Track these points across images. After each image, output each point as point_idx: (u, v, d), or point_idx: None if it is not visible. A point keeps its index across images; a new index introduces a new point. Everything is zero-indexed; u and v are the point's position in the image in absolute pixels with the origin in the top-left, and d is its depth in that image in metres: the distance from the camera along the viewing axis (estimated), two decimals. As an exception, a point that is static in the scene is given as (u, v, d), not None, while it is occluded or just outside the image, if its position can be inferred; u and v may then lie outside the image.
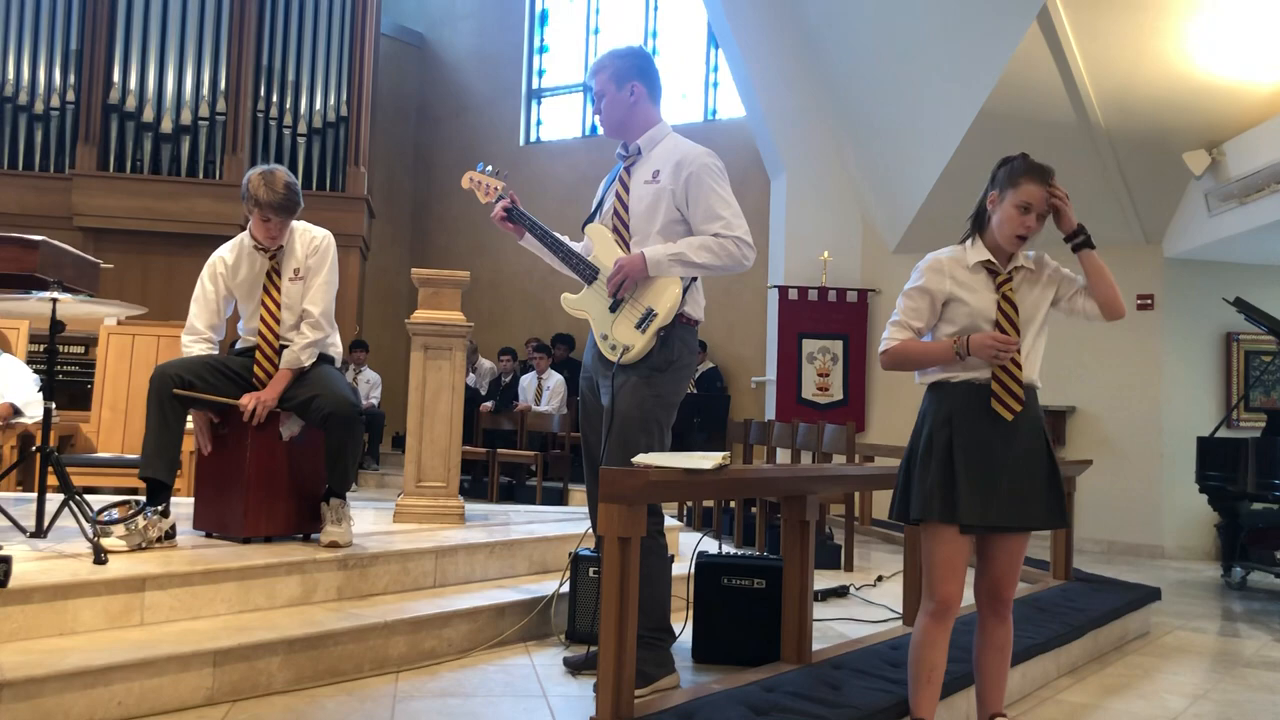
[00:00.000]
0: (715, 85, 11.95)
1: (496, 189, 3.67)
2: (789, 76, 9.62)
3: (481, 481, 9.42)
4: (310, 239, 4.01)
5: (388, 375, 11.28)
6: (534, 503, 8.80)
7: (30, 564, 3.15)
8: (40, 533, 3.51)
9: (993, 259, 2.87)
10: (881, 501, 8.02)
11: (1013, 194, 2.85)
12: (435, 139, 13.88)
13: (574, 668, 3.46)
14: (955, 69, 7.89)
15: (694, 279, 3.42)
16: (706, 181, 3.37)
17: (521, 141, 13.26)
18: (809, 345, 9.42)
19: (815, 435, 6.95)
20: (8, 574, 2.58)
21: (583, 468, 3.57)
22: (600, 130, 3.59)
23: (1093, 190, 8.00)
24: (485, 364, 11.56)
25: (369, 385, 10.78)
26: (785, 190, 9.70)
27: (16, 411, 5.59)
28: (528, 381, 10.46)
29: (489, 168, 3.76)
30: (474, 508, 5.01)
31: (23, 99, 11.31)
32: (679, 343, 3.39)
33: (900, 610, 4.41)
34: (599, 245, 3.50)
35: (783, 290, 9.44)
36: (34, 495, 3.66)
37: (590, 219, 3.60)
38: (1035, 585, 5.10)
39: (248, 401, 3.76)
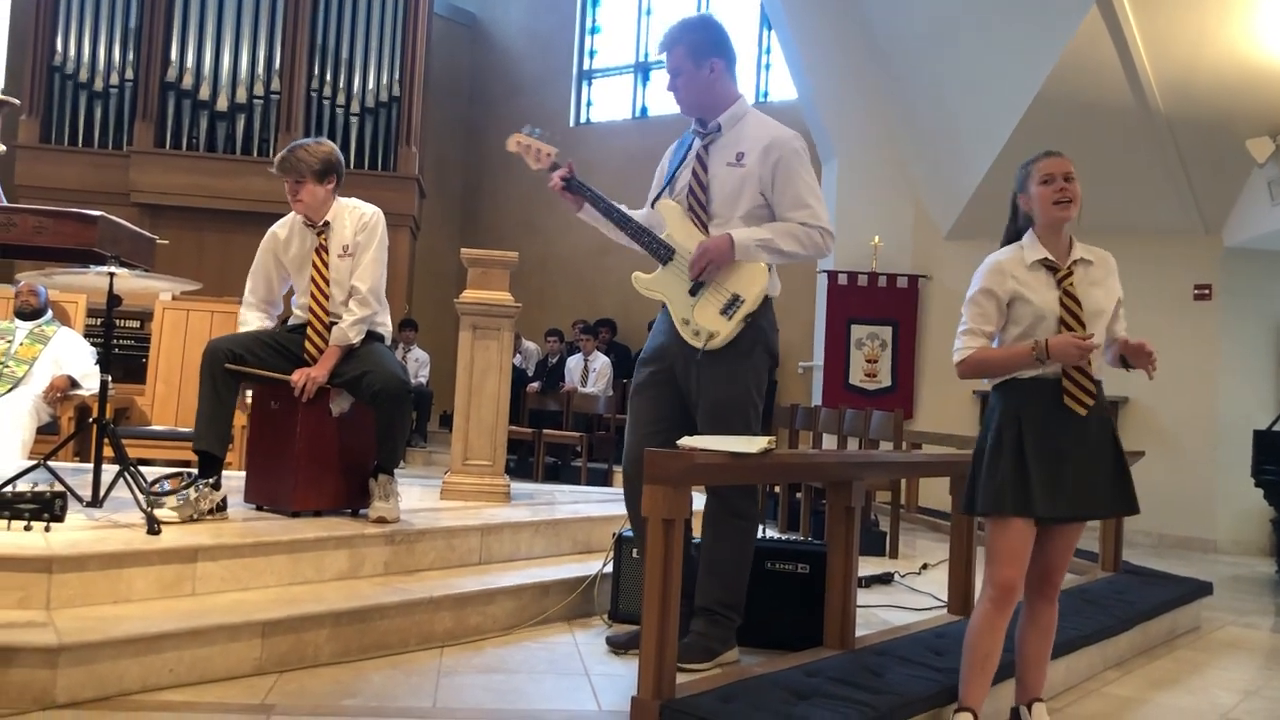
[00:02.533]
0: (767, 67, 11.87)
1: (549, 155, 3.55)
2: (842, 58, 9.52)
3: (527, 461, 9.48)
4: (359, 216, 4.04)
5: (436, 354, 11.37)
6: (579, 483, 8.83)
7: (86, 533, 3.22)
8: (96, 502, 3.58)
9: (1050, 255, 2.84)
10: (928, 489, 7.96)
11: (1034, 177, 2.85)
12: (486, 119, 13.92)
13: (617, 647, 3.47)
14: (1012, 52, 7.76)
15: None
16: (795, 168, 3.31)
17: (571, 123, 13.26)
18: (858, 331, 9.35)
19: (862, 421, 6.91)
20: (64, 508, 2.63)
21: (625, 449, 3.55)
22: (679, 108, 3.46)
23: (1151, 177, 7.85)
24: (530, 346, 11.61)
25: (418, 364, 10.87)
26: (837, 174, 9.62)
27: (74, 384, 5.70)
28: (574, 363, 10.50)
29: (537, 130, 3.61)
30: (519, 487, 5.04)
31: (83, 76, 11.49)
32: (763, 320, 3.35)
33: (945, 598, 4.38)
34: (673, 224, 3.42)
35: (832, 275, 9.38)
36: (90, 466, 3.73)
37: (659, 195, 3.52)
38: (1083, 577, 5.04)
39: (298, 378, 3.81)
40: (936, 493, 7.14)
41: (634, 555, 3.74)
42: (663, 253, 3.40)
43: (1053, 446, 2.77)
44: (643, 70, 13.13)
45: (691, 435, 3.10)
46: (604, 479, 9.08)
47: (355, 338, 3.92)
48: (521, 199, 13.22)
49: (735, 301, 3.28)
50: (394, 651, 3.30)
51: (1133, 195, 7.90)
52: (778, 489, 7.07)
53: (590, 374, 10.27)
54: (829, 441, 7.72)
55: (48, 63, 11.44)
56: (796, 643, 3.48)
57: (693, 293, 3.33)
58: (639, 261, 3.51)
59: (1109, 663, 3.99)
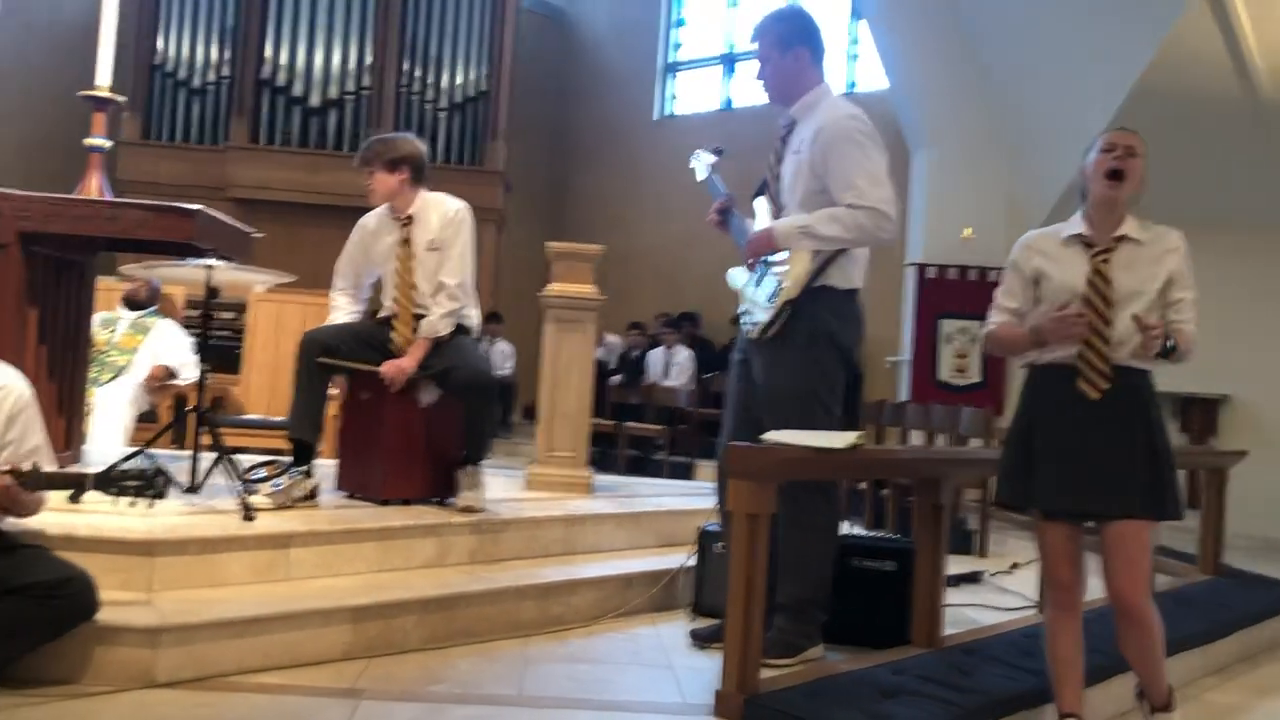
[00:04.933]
0: (855, 58, 11.72)
1: (720, 202, 3.58)
2: (933, 48, 9.35)
3: (609, 454, 9.51)
4: (445, 211, 4.09)
5: (521, 347, 11.46)
6: (660, 477, 8.83)
7: (185, 518, 3.31)
8: (194, 489, 3.68)
9: (1088, 232, 2.74)
10: (1017, 487, 7.78)
11: (1097, 145, 2.78)
12: (572, 113, 13.98)
13: (700, 640, 3.47)
14: (1109, 41, 7.54)
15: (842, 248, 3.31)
16: (841, 147, 3.23)
17: (656, 115, 13.26)
18: (947, 326, 9.19)
19: (951, 418, 6.79)
20: (166, 485, 2.72)
21: (715, 444, 3.56)
22: (767, 98, 3.51)
23: (1256, 170, 7.56)
24: (612, 339, 11.64)
25: (503, 356, 10.98)
26: (926, 165, 9.46)
27: (172, 373, 5.87)
28: (656, 356, 10.50)
29: (711, 145, 3.81)
30: (602, 479, 5.06)
31: (182, 74, 11.82)
32: (825, 312, 3.28)
33: (1035, 598, 4.29)
34: (758, 220, 3.47)
35: (921, 268, 9.23)
36: (188, 453, 3.84)
37: (758, 192, 3.55)
38: (1179, 579, 4.89)
39: (387, 370, 3.87)
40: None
41: (718, 549, 3.73)
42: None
43: (1062, 436, 2.66)
44: (728, 62, 13.06)
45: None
46: (686, 473, 9.06)
47: (444, 330, 3.97)
48: (606, 192, 13.26)
49: (777, 290, 3.28)
50: (479, 639, 3.34)
51: (1235, 187, 7.62)
52: (863, 485, 6.99)
53: (672, 367, 10.26)
54: (916, 438, 7.60)
55: (149, 61, 11.79)
56: (882, 641, 3.43)
57: (755, 284, 3.37)
58: (723, 256, 3.55)
59: (1208, 669, 3.86)
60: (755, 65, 3.51)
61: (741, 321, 3.41)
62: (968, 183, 9.32)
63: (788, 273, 3.26)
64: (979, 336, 2.93)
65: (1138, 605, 2.68)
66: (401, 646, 3.16)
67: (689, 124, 12.94)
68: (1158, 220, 2.82)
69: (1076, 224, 2.79)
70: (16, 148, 12.20)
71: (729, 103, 12.95)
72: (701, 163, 3.78)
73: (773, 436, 2.94)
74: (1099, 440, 2.65)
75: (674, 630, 3.67)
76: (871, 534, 4.98)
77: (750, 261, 3.34)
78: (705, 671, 3.13)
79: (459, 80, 11.98)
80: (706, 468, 8.74)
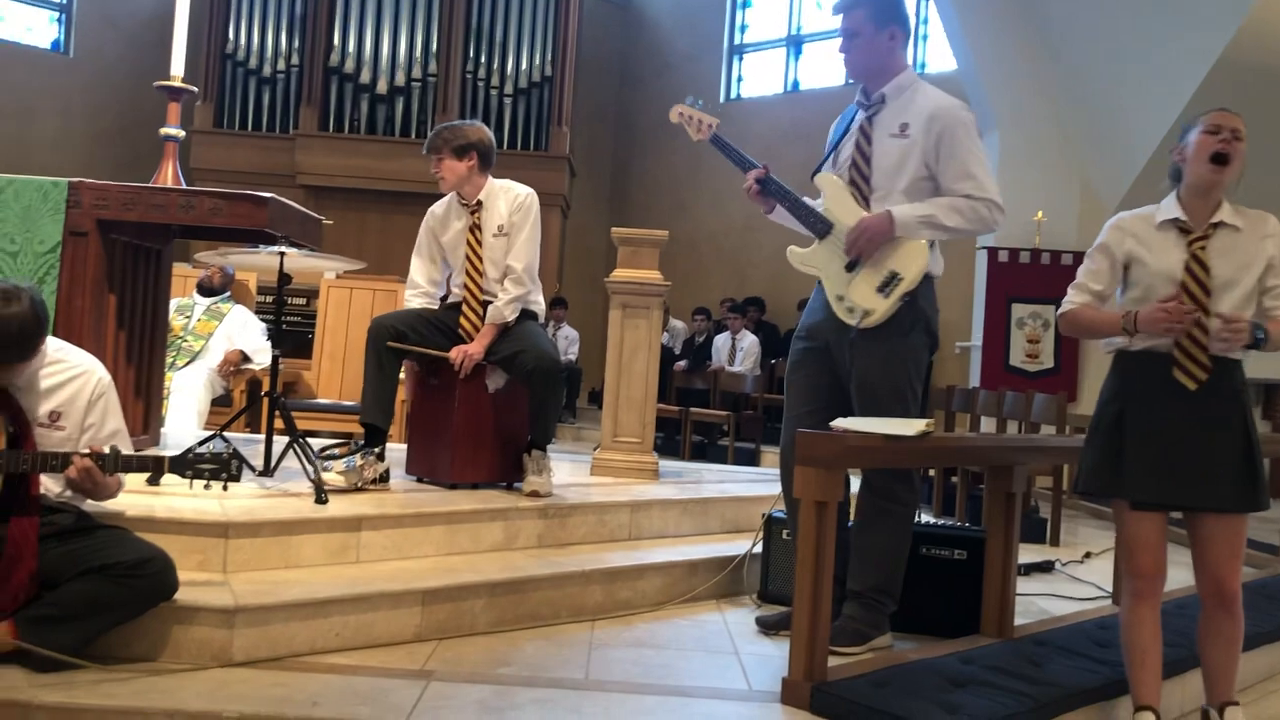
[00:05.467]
0: (924, 38, 11.54)
1: (710, 125, 3.50)
2: (1003, 27, 9.17)
3: (674, 439, 9.51)
4: (513, 196, 4.11)
5: (585, 332, 11.51)
6: (726, 462, 8.82)
7: (259, 500, 3.37)
8: (268, 472, 3.75)
9: (1185, 216, 2.66)
10: (1090, 475, 7.63)
11: (1200, 126, 2.66)
12: (636, 97, 13.97)
13: (767, 627, 3.45)
14: (1189, 14, 7.33)
15: None
16: (961, 137, 3.19)
17: (722, 99, 13.18)
18: (1019, 310, 9.03)
19: (1023, 404, 6.67)
20: (240, 468, 2.77)
21: (781, 429, 3.52)
22: (847, 73, 3.40)
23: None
24: (677, 324, 11.63)
25: (567, 341, 11.02)
26: (997, 147, 9.28)
27: (246, 358, 5.99)
28: (721, 342, 10.47)
29: (699, 101, 3.57)
30: (667, 465, 5.05)
31: (252, 63, 12.02)
32: (923, 300, 3.23)
33: (1109, 589, 4.20)
34: (832, 197, 3.32)
35: (992, 252, 9.07)
36: (262, 437, 3.90)
37: (819, 168, 3.44)
38: (1263, 570, 4.76)
39: (456, 355, 3.90)
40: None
41: (785, 536, 3.71)
42: (820, 227, 3.32)
43: (1156, 425, 2.60)
44: (795, 44, 12.95)
45: (846, 416, 3.05)
46: (751, 459, 9.04)
47: (510, 316, 3.99)
48: (671, 177, 13.23)
49: (893, 279, 3.18)
50: (546, 623, 3.35)
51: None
52: (932, 472, 6.90)
53: (738, 353, 10.22)
54: (987, 424, 7.49)
55: (220, 51, 12.00)
56: (952, 630, 3.39)
57: (849, 269, 3.25)
58: (790, 239, 3.45)
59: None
60: (839, 39, 3.36)
61: (836, 309, 3.27)
62: (1039, 165, 9.13)
63: (907, 263, 3.18)
64: (1056, 318, 2.85)
65: (1238, 595, 2.69)
66: (470, 629, 3.19)
67: (755, 107, 12.86)
68: (1239, 201, 2.74)
69: (1171, 208, 2.71)
70: (93, 138, 12.51)
71: (796, 85, 12.84)
72: (694, 121, 3.54)
73: (841, 423, 2.91)
74: (1195, 431, 2.60)
75: (740, 617, 3.65)
76: (941, 522, 4.92)
77: (860, 245, 3.19)
78: (772, 659, 3.11)
79: (523, 66, 12.03)
80: (772, 453, 8.71)
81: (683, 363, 10.53)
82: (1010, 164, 9.21)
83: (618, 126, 14.26)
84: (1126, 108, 8.37)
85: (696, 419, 9.38)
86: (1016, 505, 3.38)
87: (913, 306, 3.20)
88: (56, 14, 13.11)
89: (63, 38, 13.14)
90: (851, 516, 3.39)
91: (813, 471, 2.75)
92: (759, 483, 4.95)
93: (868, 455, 2.93)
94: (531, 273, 4.07)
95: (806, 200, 3.39)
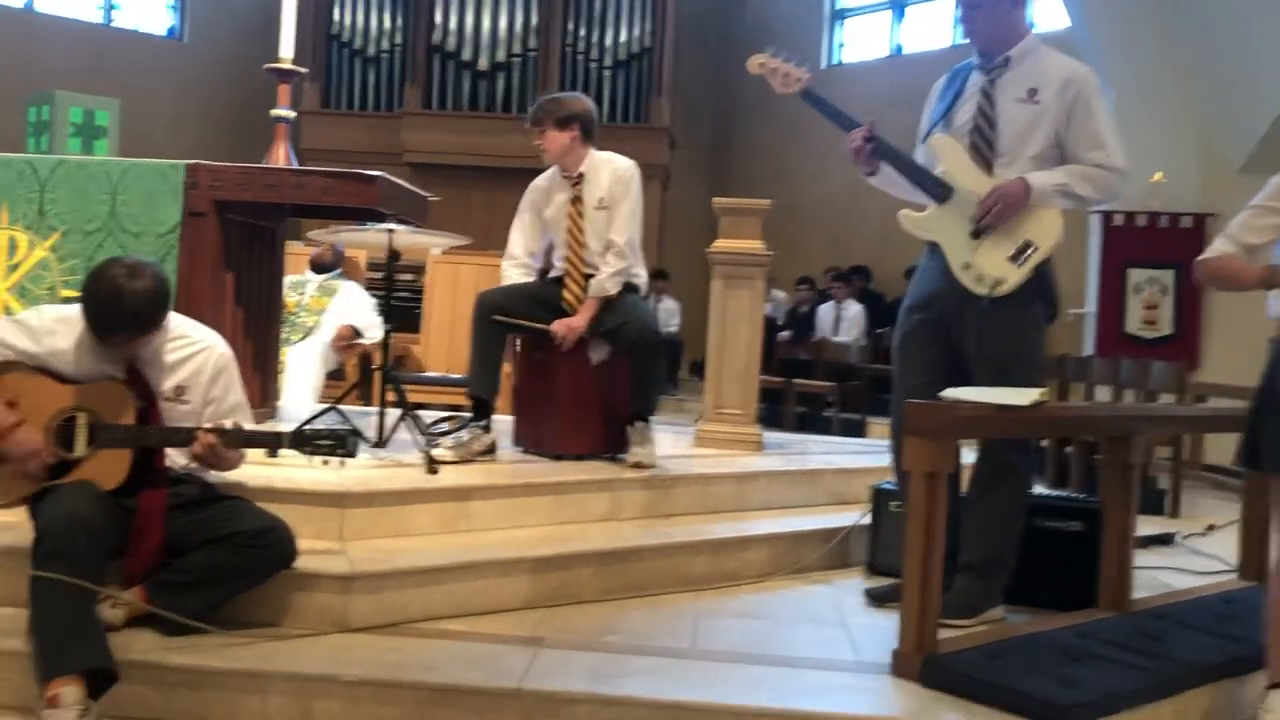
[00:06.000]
0: (1033, -4, 11.18)
1: (799, 79, 3.38)
2: (1119, -19, 8.83)
3: (777, 411, 9.44)
4: (615, 169, 4.11)
5: (687, 304, 11.50)
6: (830, 434, 8.73)
7: (373, 471, 3.46)
8: (381, 443, 3.84)
9: None
10: (1214, 445, 7.37)
11: None
12: (735, 66, 13.74)
13: (876, 599, 3.42)
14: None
15: None
16: (1094, 105, 3.12)
17: (823, 64, 12.98)
18: (1135, 275, 8.72)
19: (1140, 372, 6.46)
20: (356, 444, 2.84)
21: (889, 400, 3.46)
22: (967, 40, 3.27)
23: None
24: (780, 295, 11.53)
25: (668, 313, 11.02)
26: (1114, 105, 8.91)
27: (357, 333, 6.14)
28: (825, 312, 10.35)
29: (783, 52, 3.44)
30: (771, 436, 5.03)
31: (357, 43, 12.24)
32: (1048, 271, 3.17)
33: (1235, 562, 4.05)
34: (950, 161, 3.22)
35: (1107, 216, 8.76)
36: (374, 409, 4.00)
37: (929, 131, 3.34)
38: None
39: (559, 328, 3.93)
40: (1223, 449, 6.60)
41: (894, 508, 3.66)
42: (939, 191, 3.23)
43: None
44: (898, 7, 12.66)
45: (960, 387, 2.98)
46: (857, 430, 8.95)
47: (613, 289, 4.00)
48: (772, 146, 13.09)
49: (1027, 248, 3.09)
50: (652, 592, 3.38)
51: None
52: (1045, 442, 6.74)
53: (842, 323, 10.10)
54: (1102, 393, 7.27)
55: (326, 32, 12.26)
56: (1067, 603, 3.32)
57: (975, 235, 3.16)
58: (898, 204, 3.36)
59: None
60: (960, 9, 3.31)
61: (961, 277, 3.17)
62: (1157, 124, 8.77)
63: (1041, 232, 3.10)
64: (1195, 263, 2.73)
65: None
66: (578, 597, 3.23)
67: (857, 72, 12.63)
68: None
69: None
70: (207, 121, 12.91)
71: (899, 49, 12.56)
72: (778, 72, 3.41)
73: (952, 393, 2.86)
74: None
75: (848, 588, 3.62)
76: (1056, 493, 4.80)
77: (995, 212, 3.09)
78: (881, 630, 3.08)
79: (623, 38, 12.01)
80: (878, 425, 8.61)
81: (786, 333, 10.45)
82: (1126, 123, 8.77)
83: (718, 95, 14.14)
84: (1254, 59, 7.97)
85: (801, 390, 9.31)
86: (1134, 476, 3.28)
87: (1040, 276, 3.13)
88: (172, 1, 13.53)
89: (178, 24, 13.57)
90: (964, 487, 3.33)
91: (923, 442, 2.71)
92: (866, 454, 4.89)
93: (979, 425, 2.87)
94: (634, 246, 4.07)
95: (917, 161, 3.31)
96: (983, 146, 3.20)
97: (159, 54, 13.12)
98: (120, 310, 2.64)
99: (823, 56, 13.07)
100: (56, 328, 2.77)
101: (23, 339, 2.74)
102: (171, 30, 13.59)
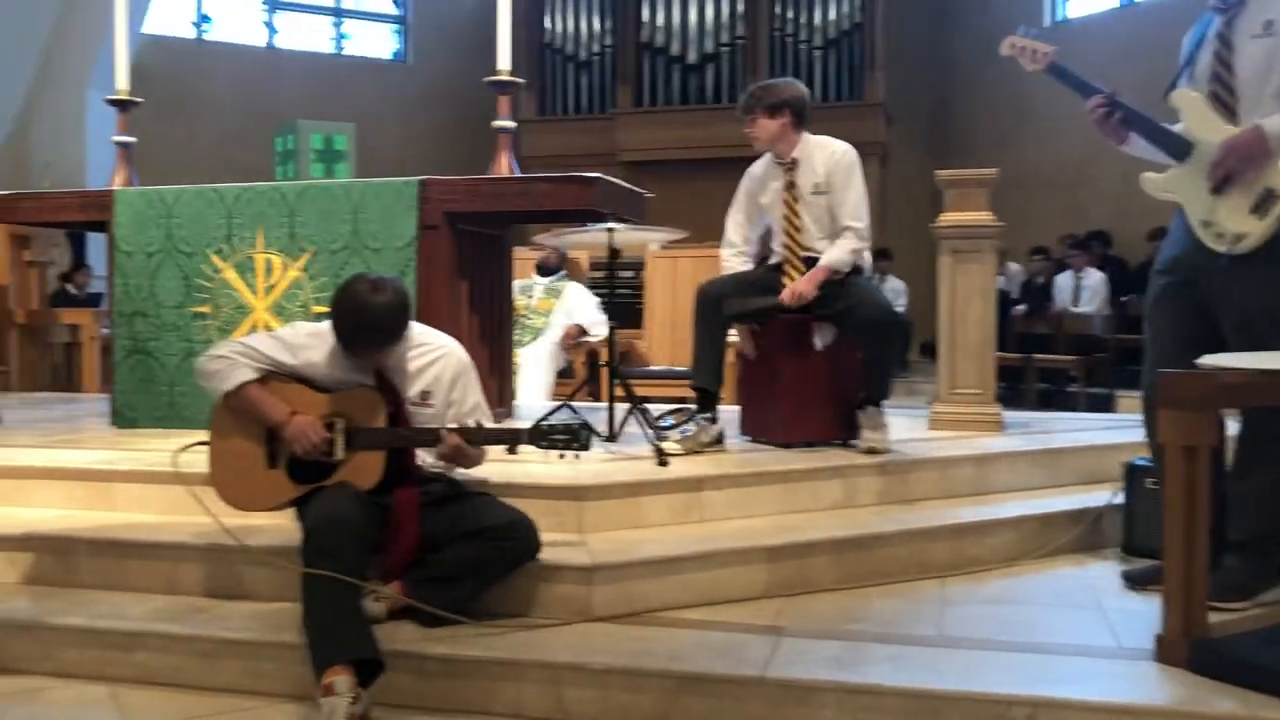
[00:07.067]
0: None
1: (1046, 54, 3.25)
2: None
3: (1016, 389, 9.06)
4: (830, 153, 4.03)
5: (912, 282, 11.19)
6: (1075, 410, 8.30)
7: (606, 464, 3.54)
8: (612, 437, 3.93)
9: None
10: None
11: None
12: (952, 31, 13.34)
13: (1134, 582, 3.22)
14: None
15: None
16: None
17: (1047, 21, 12.33)
18: None
19: None
20: (589, 438, 2.92)
21: (1140, 371, 3.25)
22: None
23: None
24: (1012, 267, 11.05)
25: (894, 293, 10.75)
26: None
27: (584, 331, 6.31)
28: (1063, 281, 9.85)
29: (1032, 30, 3.32)
30: (1011, 415, 4.82)
31: (569, 49, 12.57)
32: None
33: None
34: (1192, 115, 3.01)
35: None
36: (604, 405, 4.09)
37: (1172, 84, 3.11)
38: None
39: (787, 296, 3.89)
40: None
41: (1149, 485, 3.44)
42: (1179, 148, 3.01)
43: None
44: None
45: (1215, 354, 2.76)
46: (1105, 405, 8.46)
47: (844, 263, 3.90)
48: (993, 112, 12.56)
49: (1269, 197, 2.83)
50: (893, 580, 3.30)
51: None
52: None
53: (1083, 292, 9.58)
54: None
55: (539, 41, 12.64)
56: (1355, 584, 3.02)
57: (1215, 191, 2.92)
58: (1138, 163, 3.15)
59: None
60: None
61: (1202, 235, 2.97)
62: None
63: None
64: None
65: None
66: (816, 585, 3.20)
67: (1084, 28, 11.94)
68: None
69: None
70: (432, 137, 13.56)
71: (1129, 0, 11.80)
72: (1028, 51, 3.28)
73: (1209, 360, 2.65)
74: None
75: (1102, 571, 3.44)
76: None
77: (1227, 168, 2.88)
78: (1142, 615, 2.90)
79: (831, 15, 11.83)
80: (1127, 399, 8.11)
81: (1021, 307, 10.00)
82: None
83: (934, 65, 13.68)
84: None
85: (1041, 366, 8.90)
86: None
87: None
88: (396, 26, 14.31)
89: (402, 48, 14.33)
90: (1228, 460, 3.09)
91: (1179, 414, 2.53)
92: (1115, 430, 4.62)
93: (1241, 393, 2.65)
94: (868, 228, 3.98)
95: (1160, 122, 3.09)
96: (1222, 93, 2.96)
97: (386, 77, 13.90)
98: (366, 324, 2.82)
99: (1045, 15, 12.41)
100: (310, 342, 2.97)
101: (281, 353, 2.96)
102: (396, 54, 14.37)
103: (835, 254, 3.92)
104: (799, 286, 3.89)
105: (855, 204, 3.97)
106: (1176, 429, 2.54)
